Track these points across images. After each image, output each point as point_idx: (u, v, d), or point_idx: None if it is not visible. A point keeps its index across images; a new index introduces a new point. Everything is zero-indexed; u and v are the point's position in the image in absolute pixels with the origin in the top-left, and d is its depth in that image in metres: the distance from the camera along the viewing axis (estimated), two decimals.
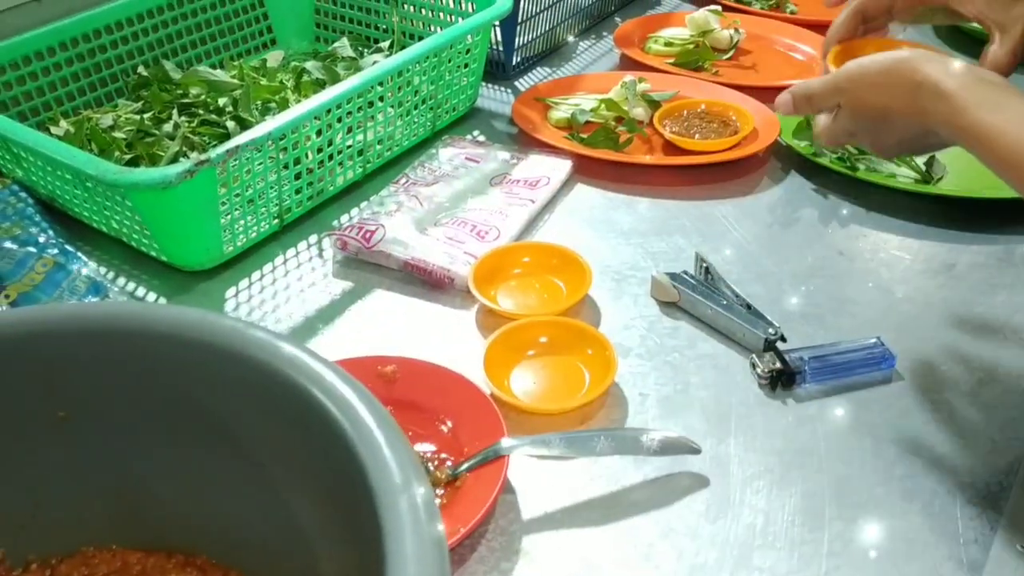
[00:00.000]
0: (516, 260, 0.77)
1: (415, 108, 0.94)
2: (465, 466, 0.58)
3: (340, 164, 0.87)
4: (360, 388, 0.43)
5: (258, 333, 0.46)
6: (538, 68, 1.15)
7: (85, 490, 0.51)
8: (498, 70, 1.11)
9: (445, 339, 0.71)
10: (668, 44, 1.15)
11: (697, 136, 0.93)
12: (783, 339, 0.68)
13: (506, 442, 0.58)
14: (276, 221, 0.82)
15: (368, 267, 0.79)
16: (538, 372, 0.67)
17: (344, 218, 0.86)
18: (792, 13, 1.27)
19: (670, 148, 0.94)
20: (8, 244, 0.76)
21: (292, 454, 0.45)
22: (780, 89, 1.02)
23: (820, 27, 1.19)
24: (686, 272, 0.74)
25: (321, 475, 0.44)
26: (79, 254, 0.78)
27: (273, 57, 1.10)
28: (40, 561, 0.52)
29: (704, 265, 0.74)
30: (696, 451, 0.59)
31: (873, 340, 0.68)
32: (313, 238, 0.83)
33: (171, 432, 0.49)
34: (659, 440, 0.59)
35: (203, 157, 0.69)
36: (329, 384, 0.43)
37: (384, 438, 0.40)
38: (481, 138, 0.98)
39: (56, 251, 0.77)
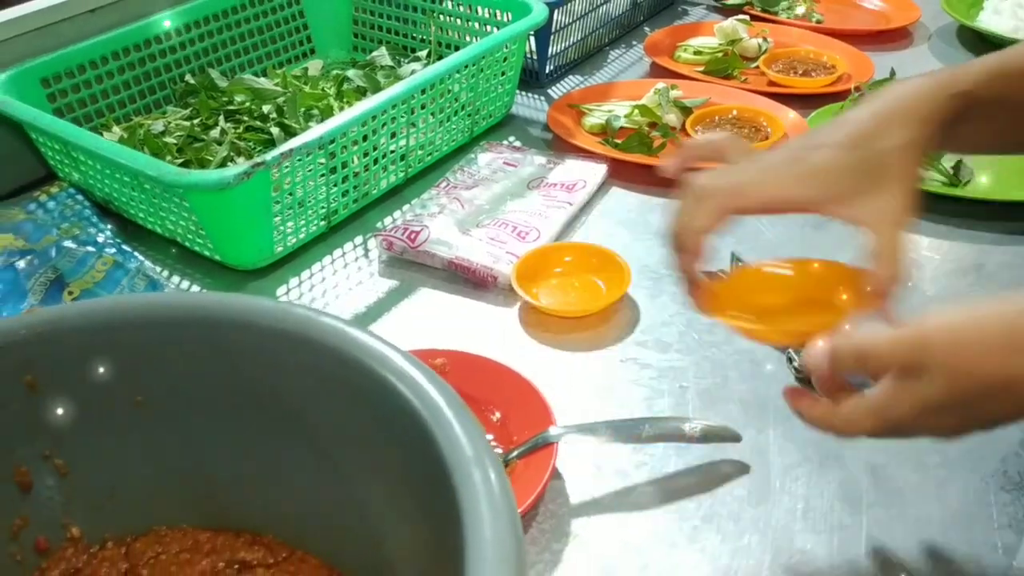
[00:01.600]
0: (557, 259, 0.80)
1: (455, 115, 0.97)
2: (516, 453, 0.60)
3: (384, 168, 0.90)
4: (427, 369, 0.45)
5: (329, 320, 0.48)
6: (570, 76, 1.18)
7: (159, 472, 0.54)
8: (532, 78, 1.13)
9: (489, 335, 0.73)
10: (697, 53, 1.17)
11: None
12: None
13: (554, 430, 0.61)
14: (324, 223, 0.85)
15: (413, 267, 0.82)
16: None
17: (388, 220, 0.89)
18: (818, 22, 1.29)
19: None
20: (69, 244, 0.79)
21: (362, 436, 0.47)
22: (810, 97, 1.06)
23: (845, 36, 1.22)
24: (722, 271, 0.76)
25: (391, 455, 0.46)
26: (135, 253, 0.81)
27: (313, 66, 1.13)
28: (116, 540, 0.55)
29: (739, 263, 0.76)
30: (737, 439, 0.62)
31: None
32: (359, 239, 0.86)
33: (243, 416, 0.51)
34: (701, 428, 0.61)
35: (259, 160, 0.72)
36: (399, 366, 0.45)
37: (454, 415, 0.42)
38: (517, 144, 1.01)
39: (114, 250, 0.80)
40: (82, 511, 0.54)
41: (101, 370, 0.51)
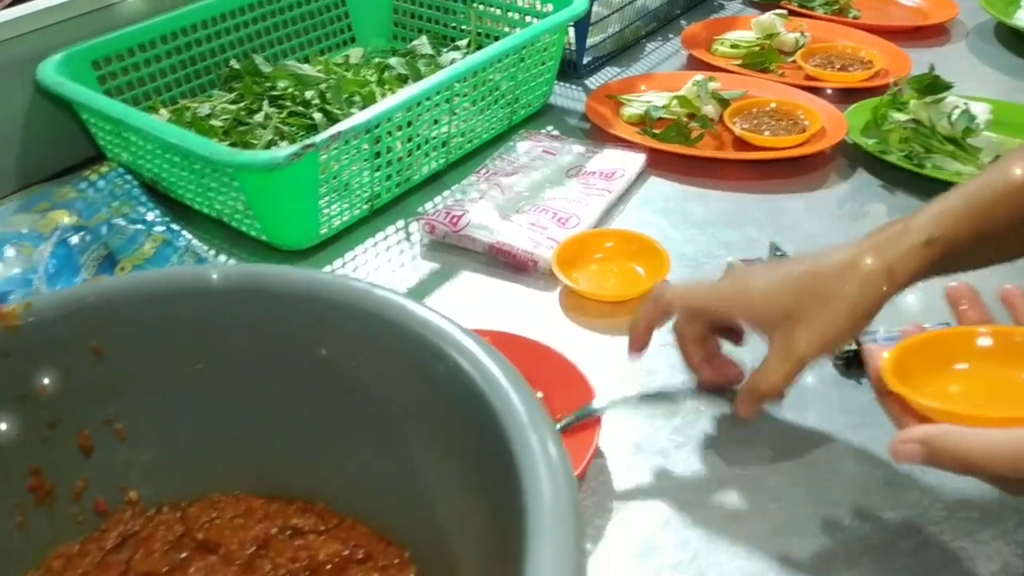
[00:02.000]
0: (597, 245, 0.81)
1: (495, 103, 0.98)
2: (560, 425, 0.61)
3: (425, 154, 0.91)
4: (482, 341, 0.47)
5: (387, 293, 0.50)
6: (607, 68, 1.19)
7: (216, 439, 0.56)
8: (570, 69, 1.14)
9: (530, 318, 0.75)
10: (734, 46, 1.18)
11: (767, 133, 0.96)
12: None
13: (597, 402, 0.62)
14: (367, 206, 0.87)
15: (454, 250, 0.83)
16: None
17: (428, 205, 0.90)
18: (855, 18, 1.29)
19: (740, 144, 0.97)
20: (119, 221, 0.81)
21: (418, 405, 0.49)
22: (847, 92, 1.06)
23: (883, 32, 1.22)
24: (761, 259, 0.77)
25: (447, 424, 0.47)
26: (183, 232, 0.83)
27: (354, 54, 1.15)
28: (171, 505, 0.57)
29: (779, 253, 0.77)
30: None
31: (943, 326, 0.70)
32: (400, 223, 0.88)
33: (299, 386, 0.53)
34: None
35: (308, 142, 0.74)
36: (456, 338, 0.47)
37: (510, 383, 0.44)
38: (555, 133, 1.02)
39: (163, 228, 0.82)
40: (140, 475, 0.56)
41: (164, 338, 0.52)
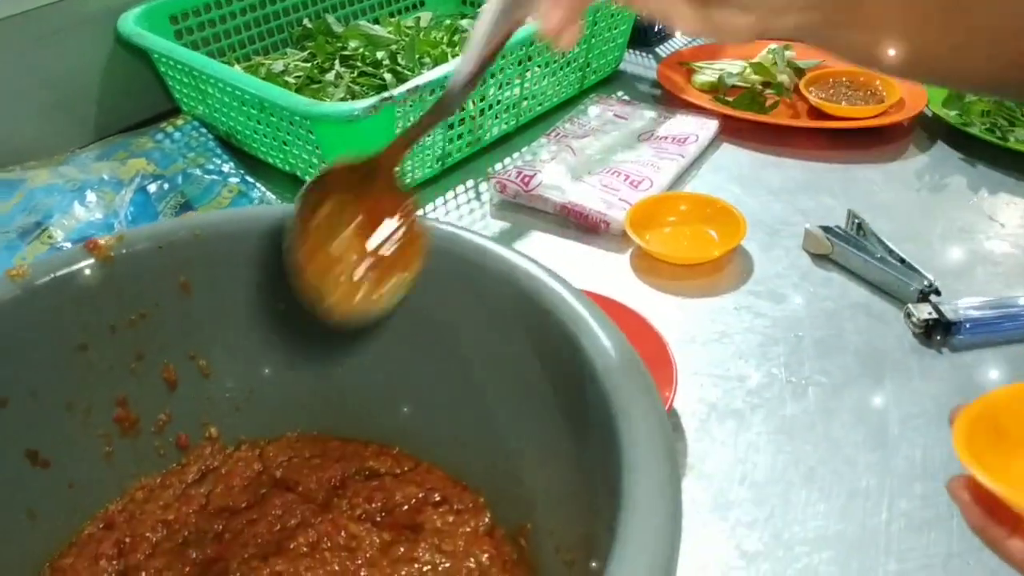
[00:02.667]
0: (671, 208, 0.80)
1: (566, 65, 0.97)
2: None
3: (496, 115, 0.91)
4: (571, 285, 0.46)
5: (475, 237, 0.50)
6: (678, 36, 1.17)
7: (296, 378, 0.56)
8: (640, 36, 1.13)
9: (602, 278, 0.74)
10: None
11: (844, 103, 0.94)
12: (937, 292, 0.69)
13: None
14: (438, 164, 0.87)
15: (524, 210, 0.83)
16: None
17: (498, 166, 0.90)
18: None
19: (815, 114, 0.96)
20: (196, 172, 0.82)
21: (502, 350, 0.49)
22: None
23: None
24: (839, 226, 0.76)
25: (532, 369, 0.47)
26: (257, 184, 0.84)
27: (424, 17, 1.14)
28: (250, 443, 0.57)
29: (856, 221, 0.76)
30: None
31: None
32: (470, 182, 0.88)
33: (383, 327, 0.53)
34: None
35: (387, 94, 0.74)
36: (545, 281, 0.46)
37: (597, 324, 0.43)
38: (626, 98, 1.01)
39: (238, 180, 0.83)
40: (221, 412, 0.56)
41: (250, 276, 0.53)
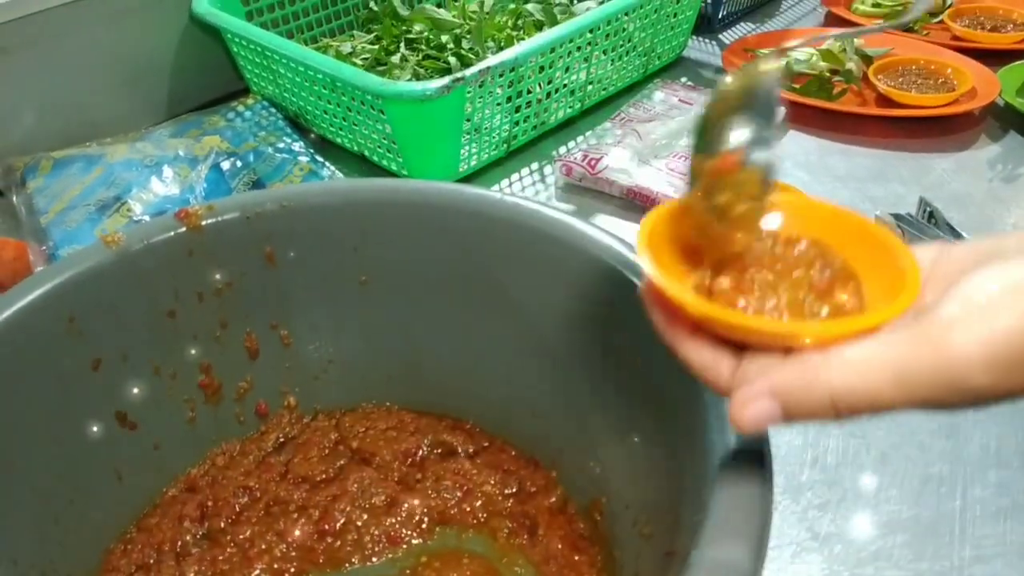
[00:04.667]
0: None
1: (632, 50, 0.97)
2: None
3: (561, 99, 0.91)
4: (649, 259, 0.47)
5: (556, 213, 0.50)
6: (742, 23, 1.16)
7: (373, 350, 0.57)
8: (704, 23, 1.13)
9: None
10: (876, 5, 1.14)
11: (914, 91, 0.93)
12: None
13: None
14: (504, 147, 0.87)
15: (589, 193, 0.83)
16: None
17: (563, 149, 0.90)
18: None
19: (883, 102, 0.94)
20: (267, 150, 0.84)
21: (582, 325, 0.49)
22: (997, 53, 1.02)
23: None
24: (910, 214, 0.75)
25: (611, 344, 0.48)
26: (327, 163, 0.85)
27: (487, 1, 1.15)
28: (326, 413, 0.59)
29: (928, 209, 0.75)
30: None
31: None
32: (535, 165, 0.88)
33: (460, 302, 0.54)
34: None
35: (459, 75, 0.74)
36: (623, 255, 0.47)
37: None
38: (691, 84, 1.01)
39: (308, 159, 0.84)
40: (299, 381, 0.58)
41: (333, 249, 0.54)
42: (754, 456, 0.36)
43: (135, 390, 0.52)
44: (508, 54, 0.79)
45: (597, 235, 0.48)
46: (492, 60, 0.78)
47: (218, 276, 0.53)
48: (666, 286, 0.33)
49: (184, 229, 0.51)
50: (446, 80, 0.74)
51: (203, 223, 0.51)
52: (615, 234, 0.48)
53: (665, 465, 0.43)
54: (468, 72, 0.75)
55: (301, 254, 0.54)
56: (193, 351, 0.54)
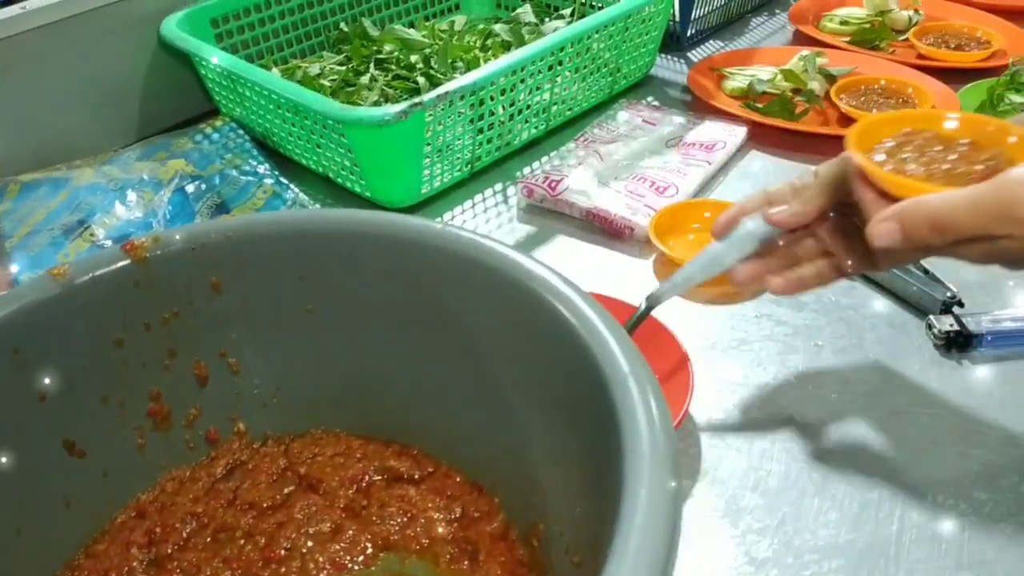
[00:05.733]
0: (695, 215, 0.81)
1: (596, 71, 0.98)
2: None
3: (525, 120, 0.92)
4: (583, 292, 0.48)
5: (494, 244, 0.51)
6: (711, 41, 1.18)
7: (320, 377, 0.58)
8: (673, 41, 1.14)
9: (623, 283, 0.75)
10: (844, 23, 1.15)
11: (875, 111, 0.94)
12: (960, 304, 0.69)
13: (651, 296, 0.60)
14: (467, 168, 0.88)
15: (550, 215, 0.84)
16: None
17: (527, 170, 0.91)
18: None
19: (846, 121, 0.96)
20: (232, 172, 0.85)
21: (518, 355, 0.50)
22: (961, 72, 1.03)
23: (1001, 11, 1.17)
24: None
25: (546, 371, 0.49)
26: (291, 186, 0.86)
27: (458, 20, 1.16)
28: (276, 438, 0.59)
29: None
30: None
31: None
32: (499, 186, 0.89)
33: (405, 330, 0.55)
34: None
35: (416, 100, 0.75)
36: (558, 288, 0.48)
37: (610, 332, 0.44)
38: (656, 103, 1.02)
39: (272, 181, 0.85)
40: (248, 408, 0.59)
41: (279, 277, 0.55)
42: (668, 491, 0.37)
43: (83, 419, 0.53)
44: (469, 78, 0.81)
45: (531, 266, 0.49)
46: (451, 85, 0.79)
47: (165, 306, 0.54)
48: (871, 170, 0.50)
49: (130, 261, 0.52)
50: (404, 106, 0.75)
51: (148, 255, 0.52)
52: (550, 267, 0.49)
53: (592, 492, 0.44)
54: (426, 97, 0.76)
55: (247, 284, 0.55)
56: (142, 380, 0.54)
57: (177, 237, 0.53)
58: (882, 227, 0.47)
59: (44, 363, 0.50)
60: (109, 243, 0.75)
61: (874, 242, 0.48)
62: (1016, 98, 0.91)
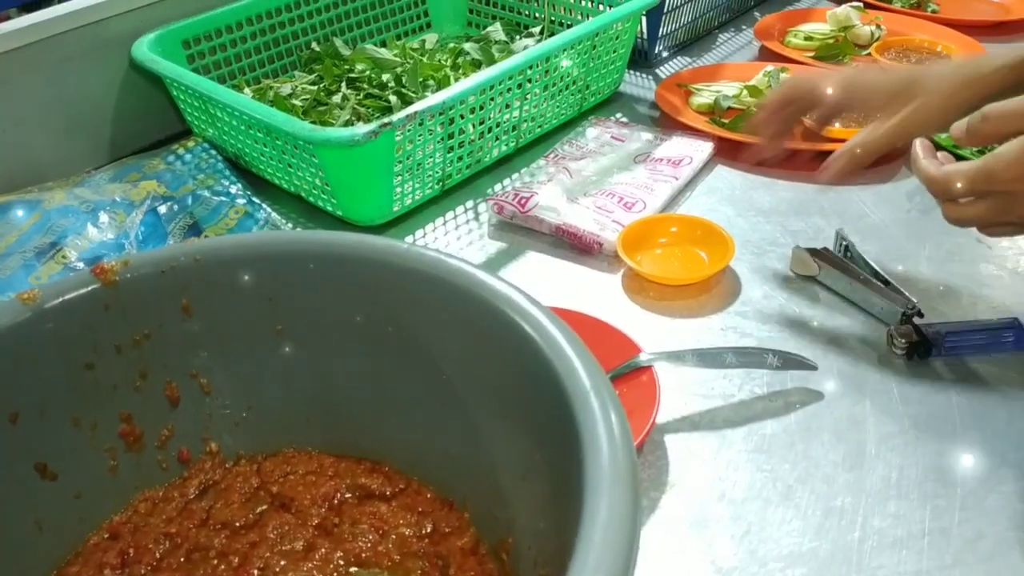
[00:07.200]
0: (662, 230, 0.82)
1: (565, 89, 1.00)
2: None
3: (496, 137, 0.94)
4: (546, 308, 0.49)
5: (457, 262, 0.52)
6: (679, 57, 1.20)
7: (291, 396, 0.59)
8: (641, 58, 1.16)
9: (593, 298, 0.76)
10: (808, 38, 1.18)
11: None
12: (920, 314, 0.71)
13: (644, 356, 0.65)
14: (438, 186, 0.89)
15: (521, 231, 0.86)
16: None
17: (497, 187, 0.93)
18: (933, 12, 1.28)
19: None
20: (204, 193, 0.85)
21: (484, 370, 0.51)
22: None
23: (962, 27, 1.20)
24: (826, 248, 0.78)
25: (510, 387, 0.50)
26: (263, 205, 0.87)
27: (429, 39, 1.17)
28: (248, 457, 0.60)
29: (844, 243, 0.77)
30: (814, 367, 0.67)
31: (1011, 319, 0.70)
32: (470, 203, 0.90)
33: (372, 348, 0.56)
34: (780, 357, 0.66)
35: (386, 120, 0.77)
36: (521, 305, 0.49)
37: (572, 349, 0.46)
38: (624, 120, 1.03)
39: (244, 201, 0.86)
40: (220, 427, 0.59)
41: (248, 298, 0.56)
42: (627, 504, 0.38)
43: (55, 442, 0.53)
44: (438, 98, 0.82)
45: (495, 284, 0.50)
46: (420, 104, 0.80)
47: (135, 329, 0.54)
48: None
49: (100, 284, 0.52)
50: (374, 126, 0.76)
51: (118, 278, 0.53)
52: (514, 284, 0.50)
53: (556, 506, 0.45)
54: (396, 117, 0.77)
55: (217, 306, 0.55)
56: (113, 402, 0.55)
57: (147, 260, 0.54)
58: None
59: (14, 386, 0.51)
60: (82, 265, 0.76)
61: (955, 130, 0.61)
62: None
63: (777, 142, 0.83)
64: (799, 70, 1.08)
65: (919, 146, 0.64)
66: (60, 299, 0.52)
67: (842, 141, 0.94)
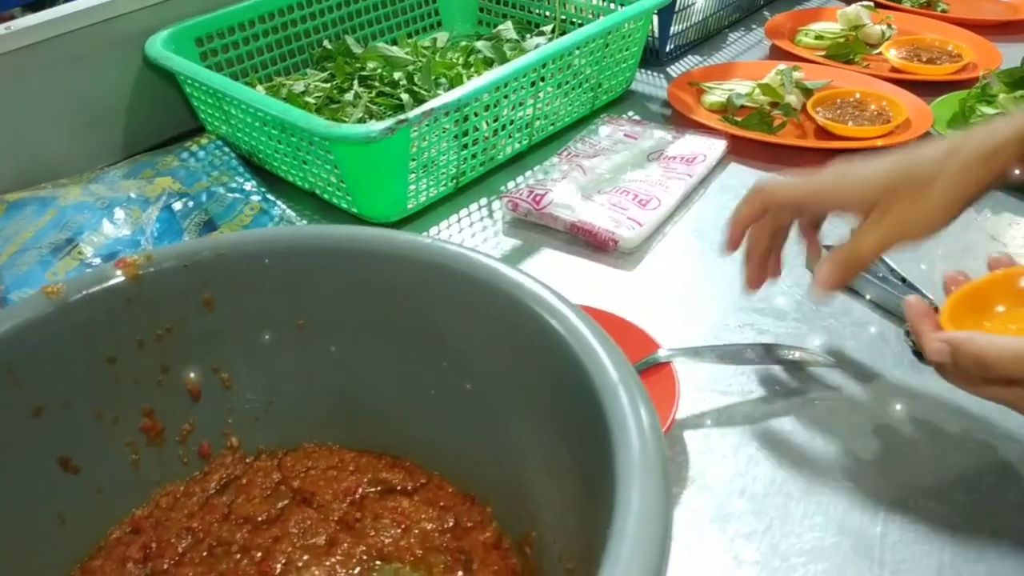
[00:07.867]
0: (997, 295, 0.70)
1: (578, 87, 1.00)
2: None
3: (509, 135, 0.94)
4: (570, 302, 0.49)
5: (481, 257, 0.52)
6: (689, 56, 1.20)
7: (312, 391, 0.59)
8: (652, 56, 1.16)
9: (608, 295, 0.76)
10: (819, 37, 1.18)
11: (850, 123, 0.96)
12: (936, 311, 0.71)
13: (663, 352, 0.65)
14: (452, 183, 0.90)
15: (535, 228, 0.86)
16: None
17: (511, 184, 0.93)
18: (943, 11, 1.28)
19: (822, 134, 0.98)
20: (219, 190, 0.85)
21: (509, 364, 0.51)
22: (933, 84, 1.05)
23: (971, 26, 1.20)
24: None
25: (536, 382, 0.50)
26: (278, 202, 0.87)
27: (440, 38, 1.17)
28: (269, 453, 0.60)
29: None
30: (831, 364, 0.67)
31: None
32: (484, 201, 0.90)
33: (395, 343, 0.56)
34: (798, 353, 0.67)
35: (402, 117, 0.77)
36: (546, 299, 0.49)
37: (598, 342, 0.46)
38: (637, 118, 1.03)
39: (259, 198, 0.86)
40: (241, 422, 0.59)
41: (271, 293, 0.56)
42: (661, 497, 0.37)
43: (77, 435, 0.53)
44: (453, 95, 0.82)
45: (520, 278, 0.50)
46: (436, 102, 0.80)
47: (158, 323, 0.54)
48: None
49: (123, 278, 0.52)
50: (390, 122, 0.76)
51: (141, 272, 0.53)
52: (538, 279, 0.50)
53: (584, 500, 0.45)
54: (412, 114, 0.77)
55: (239, 300, 0.55)
56: (135, 396, 0.55)
57: (170, 254, 0.53)
58: (935, 347, 0.54)
59: (38, 381, 0.51)
60: (98, 261, 0.76)
61: (928, 356, 0.55)
62: (987, 110, 0.94)
63: (763, 273, 0.67)
64: (811, 69, 1.08)
65: (919, 318, 0.58)
66: (83, 293, 0.52)
67: (856, 139, 0.94)
